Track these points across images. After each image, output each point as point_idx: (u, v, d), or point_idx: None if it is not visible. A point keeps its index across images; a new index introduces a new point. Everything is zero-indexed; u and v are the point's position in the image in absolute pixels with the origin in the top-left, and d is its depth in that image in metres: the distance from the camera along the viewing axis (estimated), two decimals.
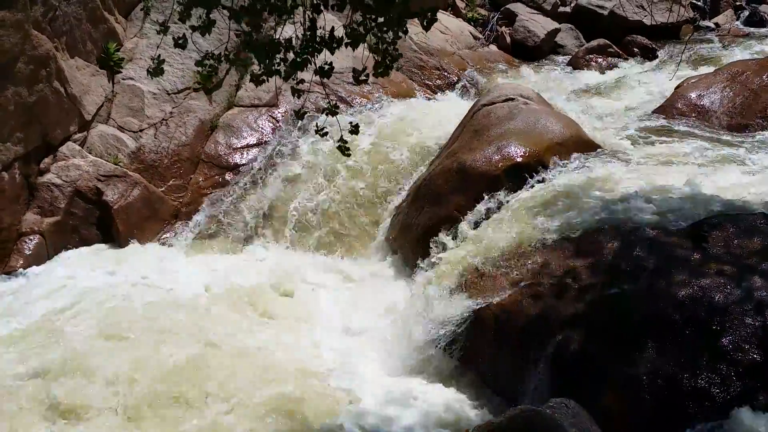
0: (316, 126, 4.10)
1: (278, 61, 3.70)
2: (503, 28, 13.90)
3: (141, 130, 8.27)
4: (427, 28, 3.64)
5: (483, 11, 14.45)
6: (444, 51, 11.85)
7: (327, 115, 4.09)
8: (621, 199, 5.78)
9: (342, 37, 3.69)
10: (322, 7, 3.70)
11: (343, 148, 4.09)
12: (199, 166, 8.49)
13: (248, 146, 8.68)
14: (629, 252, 5.10)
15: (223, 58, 3.84)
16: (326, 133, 4.14)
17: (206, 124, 8.70)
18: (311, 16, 3.67)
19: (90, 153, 7.84)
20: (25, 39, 6.85)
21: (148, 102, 8.44)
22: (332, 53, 3.71)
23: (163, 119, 8.44)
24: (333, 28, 3.70)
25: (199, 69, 3.92)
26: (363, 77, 3.76)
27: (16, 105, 6.91)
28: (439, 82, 11.15)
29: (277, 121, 8.97)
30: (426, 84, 10.97)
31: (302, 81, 3.87)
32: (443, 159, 7.34)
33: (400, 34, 3.68)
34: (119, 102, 8.38)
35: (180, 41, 3.77)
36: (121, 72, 8.53)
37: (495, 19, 14.12)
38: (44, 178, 7.41)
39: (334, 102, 4.53)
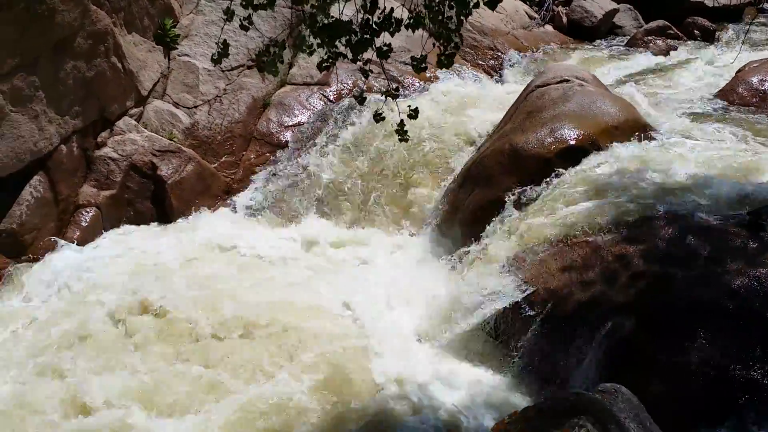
0: (375, 112, 4.03)
1: (344, 43, 3.65)
2: (560, 8, 13.67)
3: (195, 107, 8.39)
4: (493, 6, 3.55)
5: None
6: (498, 31, 11.72)
7: (385, 98, 4.00)
8: (677, 185, 5.66)
9: (402, 18, 3.62)
10: None
11: (402, 133, 4.02)
12: (251, 143, 8.58)
13: (299, 124, 8.74)
14: (683, 239, 4.99)
15: (286, 44, 3.80)
16: (383, 118, 4.07)
17: (258, 101, 8.78)
18: None
19: (146, 128, 7.98)
20: (84, 14, 6.98)
21: (203, 79, 8.54)
22: (392, 35, 3.65)
23: (216, 96, 8.53)
24: (392, 9, 3.64)
25: (264, 58, 3.88)
26: (423, 66, 3.68)
27: (74, 79, 7.05)
28: (492, 62, 11.04)
29: (329, 99, 9.01)
30: (479, 64, 10.87)
31: (368, 61, 3.80)
32: (495, 140, 7.27)
33: (462, 17, 3.59)
34: (174, 78, 8.50)
35: (245, 22, 3.76)
36: (177, 48, 8.64)
37: None
38: (101, 152, 7.58)
39: (395, 86, 4.41)
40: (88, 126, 7.44)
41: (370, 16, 3.61)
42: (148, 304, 5.90)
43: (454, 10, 3.58)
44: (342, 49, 3.70)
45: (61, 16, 6.64)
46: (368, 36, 3.60)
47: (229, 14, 3.82)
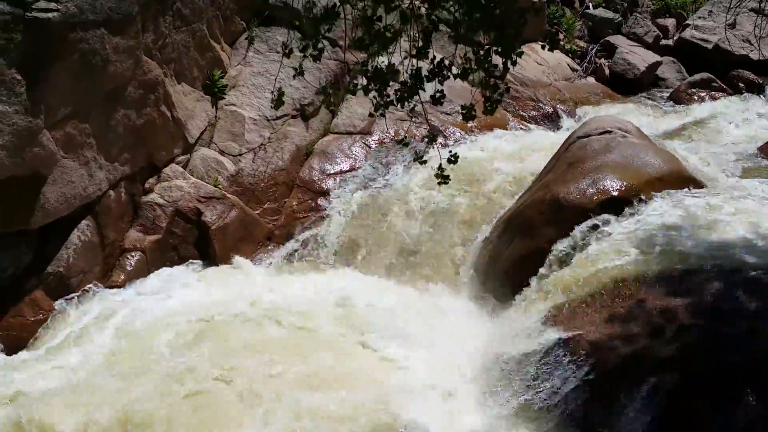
0: (415, 153, 4.10)
1: (394, 90, 3.76)
2: (602, 60, 13.70)
3: (240, 154, 8.56)
4: (552, 48, 3.61)
5: (581, 43, 14.30)
6: (540, 82, 11.77)
7: (427, 142, 4.09)
8: (723, 239, 5.55)
9: (451, 67, 3.72)
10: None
11: (442, 177, 4.07)
12: (294, 190, 8.69)
13: (341, 172, 8.83)
14: (730, 294, 4.89)
15: (341, 88, 3.95)
16: (425, 161, 4.14)
17: (302, 149, 8.92)
18: (421, 43, 3.71)
19: (192, 175, 8.16)
20: (136, 65, 7.22)
21: (248, 127, 8.72)
22: (441, 84, 3.75)
23: (261, 144, 8.70)
24: (442, 58, 3.74)
25: (322, 96, 4.04)
26: (473, 113, 3.76)
27: (125, 127, 7.27)
28: (533, 113, 11.06)
29: (371, 148, 9.11)
30: (520, 115, 10.90)
31: (415, 106, 3.90)
32: (536, 190, 7.24)
33: (510, 65, 3.66)
34: (221, 126, 8.70)
35: (297, 71, 3.90)
36: (224, 98, 8.87)
37: (594, 51, 13.94)
38: (148, 198, 7.75)
39: (434, 133, 4.51)
40: (136, 172, 7.64)
41: (420, 64, 3.71)
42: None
43: (501, 59, 3.65)
44: (392, 96, 3.79)
45: (114, 67, 6.87)
46: (419, 83, 3.69)
47: (287, 52, 3.93)
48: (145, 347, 6.10)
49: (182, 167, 8.16)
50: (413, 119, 4.00)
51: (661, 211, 6.21)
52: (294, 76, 3.96)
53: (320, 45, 3.79)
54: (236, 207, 8.04)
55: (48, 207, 6.45)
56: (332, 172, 8.84)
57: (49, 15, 6.00)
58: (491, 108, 3.84)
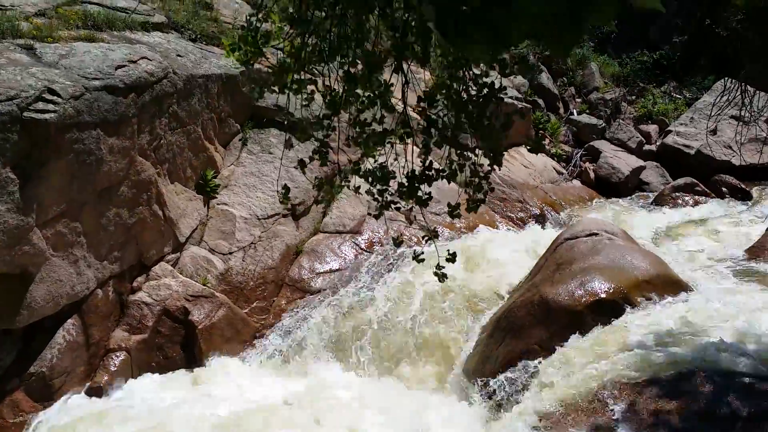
0: (414, 252, 4.20)
1: (395, 190, 3.91)
2: (587, 164, 14.03)
3: (230, 253, 8.58)
4: (535, 151, 3.75)
5: (566, 147, 14.68)
6: (527, 184, 11.99)
7: (426, 241, 4.20)
8: (714, 342, 5.55)
9: (440, 170, 3.87)
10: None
11: (440, 275, 4.15)
12: (283, 289, 8.68)
13: (331, 271, 8.85)
14: (722, 397, 4.84)
15: (336, 185, 4.06)
16: (423, 260, 4.24)
17: (292, 248, 8.96)
18: (421, 150, 3.86)
19: (181, 273, 8.15)
20: (130, 165, 7.34)
21: (239, 226, 8.79)
22: (429, 186, 3.89)
23: (251, 243, 8.74)
24: (431, 161, 3.87)
25: (315, 189, 4.15)
26: (457, 212, 3.89)
27: (116, 225, 7.31)
28: (521, 214, 11.22)
29: (360, 248, 9.17)
30: (508, 216, 11.05)
31: (412, 207, 4.03)
32: (525, 291, 7.27)
33: (495, 165, 3.80)
34: (212, 225, 8.76)
35: (300, 164, 4.03)
36: (216, 197, 8.97)
37: (579, 155, 14.29)
38: (135, 297, 7.71)
39: (434, 228, 4.65)
40: (125, 271, 7.63)
41: (416, 167, 3.85)
42: None
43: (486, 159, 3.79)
44: (390, 197, 3.93)
45: (108, 167, 6.98)
46: (418, 183, 3.84)
47: (290, 145, 4.06)
48: None
49: (171, 265, 8.15)
50: (396, 221, 4.15)
51: (649, 314, 6.23)
52: (301, 169, 4.07)
53: (324, 149, 3.95)
54: (224, 306, 8.00)
55: (35, 306, 6.40)
56: (322, 271, 8.86)
57: (47, 116, 6.14)
58: (475, 207, 3.99)
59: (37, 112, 6.11)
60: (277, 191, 4.38)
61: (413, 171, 3.86)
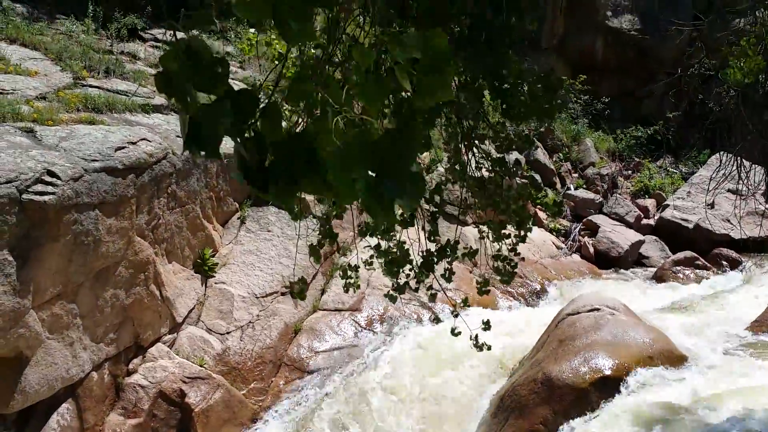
0: (452, 329, 4.27)
1: (406, 273, 4.01)
2: (586, 239, 14.03)
3: (228, 332, 8.47)
4: (520, 229, 3.84)
5: (565, 222, 14.72)
6: (526, 259, 11.94)
7: (454, 315, 4.39)
8: (721, 419, 5.42)
9: (457, 247, 3.98)
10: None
11: (479, 346, 4.33)
12: (281, 369, 8.53)
13: (330, 350, 8.72)
14: None
15: (320, 273, 4.14)
16: (459, 333, 4.29)
17: (290, 327, 8.86)
18: (430, 230, 3.95)
19: (177, 354, 8.02)
20: (128, 245, 7.32)
21: (237, 305, 8.71)
22: (450, 264, 4.00)
23: (249, 322, 8.64)
24: (449, 240, 3.96)
25: (296, 286, 4.21)
26: (485, 288, 4.06)
27: (113, 307, 7.24)
28: (522, 290, 11.16)
29: (360, 326, 9.07)
30: (508, 291, 10.98)
31: (431, 286, 4.10)
32: (528, 369, 7.15)
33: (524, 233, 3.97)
34: (209, 305, 8.68)
35: (313, 252, 4.09)
36: (214, 276, 8.92)
37: (577, 229, 14.32)
38: (131, 379, 7.56)
39: (459, 303, 4.80)
40: (121, 352, 7.50)
41: (431, 245, 3.93)
42: None
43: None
44: (406, 279, 4.03)
45: (106, 247, 6.96)
46: (433, 261, 3.93)
47: (295, 216, 4.11)
48: None
49: (168, 346, 8.04)
50: (401, 298, 4.26)
51: (654, 390, 6.12)
52: (309, 256, 4.18)
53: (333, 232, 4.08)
54: (221, 387, 7.84)
55: (29, 390, 6.26)
56: (321, 349, 8.73)
57: (45, 198, 6.15)
58: (486, 290, 4.24)
59: (36, 194, 6.13)
60: (292, 283, 4.48)
61: (428, 250, 3.96)
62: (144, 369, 7.65)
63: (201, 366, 7.95)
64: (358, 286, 4.25)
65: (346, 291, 4.33)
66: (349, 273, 4.27)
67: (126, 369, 7.60)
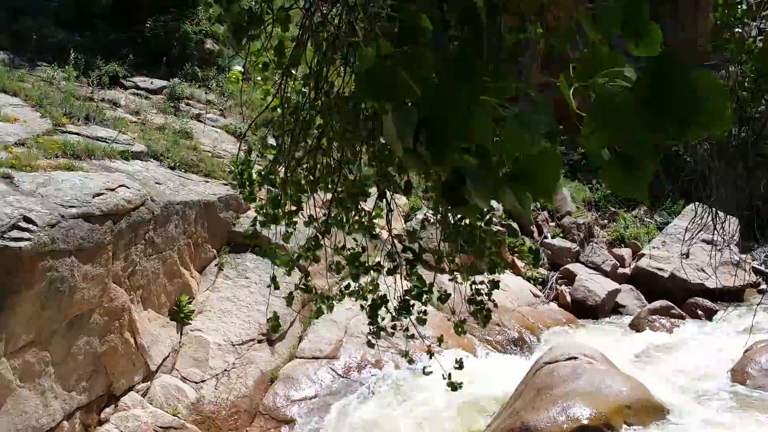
0: (423, 369, 4.39)
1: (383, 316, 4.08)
2: (563, 287, 14.10)
3: (203, 381, 8.35)
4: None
5: (542, 270, 14.79)
6: (504, 307, 11.96)
7: (429, 356, 4.44)
8: None
9: (432, 289, 4.07)
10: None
11: (454, 385, 4.46)
12: (256, 418, 8.40)
13: (306, 398, 8.61)
14: None
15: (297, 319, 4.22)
16: (431, 372, 4.34)
17: (267, 375, 8.75)
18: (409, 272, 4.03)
19: (151, 403, 7.88)
20: (103, 292, 7.25)
21: (213, 353, 8.61)
22: (425, 305, 4.08)
23: (225, 370, 8.53)
24: (426, 282, 4.07)
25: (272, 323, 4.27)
26: (463, 329, 4.14)
27: (86, 355, 7.13)
28: (499, 337, 11.15)
29: (337, 374, 8.98)
30: (486, 339, 10.96)
31: (408, 328, 4.23)
32: (505, 418, 7.11)
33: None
34: (185, 352, 8.57)
35: (288, 300, 4.16)
36: (190, 323, 8.83)
37: (554, 278, 14.40)
38: (103, 428, 7.40)
39: (430, 344, 4.87)
40: (93, 401, 7.36)
41: (407, 290, 4.02)
42: None
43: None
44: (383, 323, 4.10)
45: (81, 294, 6.89)
46: (409, 302, 4.01)
47: (274, 283, 4.16)
48: None
49: (141, 395, 7.90)
50: (379, 345, 4.37)
51: None
52: (267, 287, 4.25)
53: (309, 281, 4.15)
54: None
55: None
56: (297, 398, 8.61)
57: (21, 244, 6.11)
58: (463, 330, 4.36)
59: (12, 240, 6.08)
60: (269, 320, 4.50)
61: (405, 290, 4.03)
62: (116, 418, 7.50)
63: (174, 415, 7.81)
64: (332, 308, 4.29)
65: (317, 317, 4.43)
66: (323, 301, 4.33)
67: (98, 418, 7.45)
